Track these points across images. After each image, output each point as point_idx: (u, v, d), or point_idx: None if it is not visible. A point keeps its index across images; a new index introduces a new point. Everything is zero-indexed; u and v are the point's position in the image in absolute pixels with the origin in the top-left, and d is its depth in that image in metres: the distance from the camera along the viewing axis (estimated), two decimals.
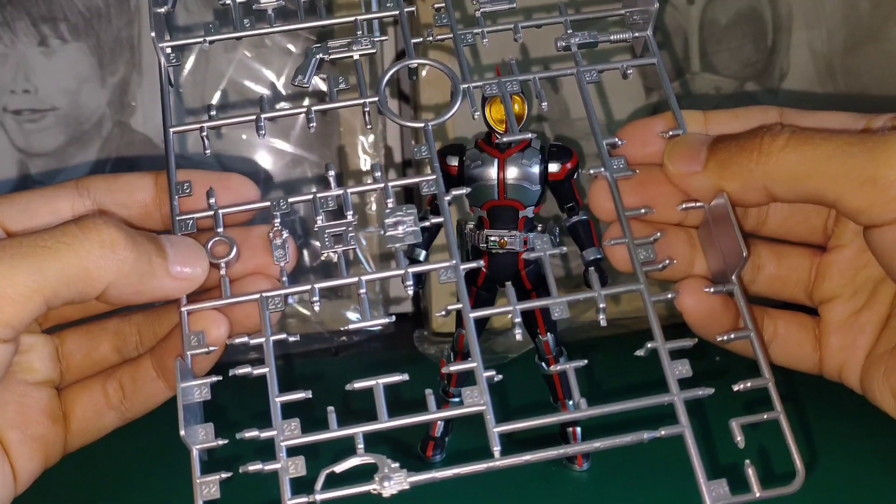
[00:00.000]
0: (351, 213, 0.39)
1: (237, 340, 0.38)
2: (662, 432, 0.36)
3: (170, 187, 0.40)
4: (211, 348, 0.37)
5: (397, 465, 0.35)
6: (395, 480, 0.34)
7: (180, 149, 0.53)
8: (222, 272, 0.38)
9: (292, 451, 0.35)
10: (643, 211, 0.40)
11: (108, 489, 0.48)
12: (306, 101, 0.56)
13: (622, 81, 0.58)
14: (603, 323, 0.39)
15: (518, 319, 0.38)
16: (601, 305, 0.39)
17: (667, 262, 0.39)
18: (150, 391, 0.40)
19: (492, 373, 0.37)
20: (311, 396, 0.36)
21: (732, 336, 0.38)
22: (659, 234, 0.40)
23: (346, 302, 0.59)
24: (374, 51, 0.43)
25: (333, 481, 0.34)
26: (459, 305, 0.38)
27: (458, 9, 0.53)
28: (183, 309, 0.38)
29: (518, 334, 0.38)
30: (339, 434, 0.35)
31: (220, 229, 0.39)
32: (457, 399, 0.49)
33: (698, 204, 0.40)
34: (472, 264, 0.40)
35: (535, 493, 0.47)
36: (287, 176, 0.58)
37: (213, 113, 0.42)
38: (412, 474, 0.35)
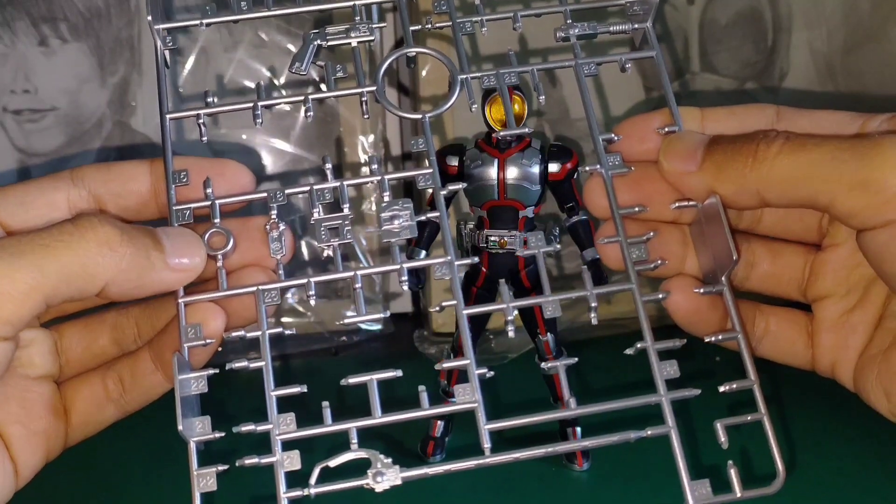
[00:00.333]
0: (347, 206, 0.39)
1: (234, 334, 0.38)
2: (649, 432, 0.36)
3: (167, 176, 0.40)
4: (208, 341, 0.37)
5: (390, 460, 0.35)
6: (388, 476, 0.35)
7: (177, 139, 0.53)
8: (219, 264, 0.38)
9: (288, 445, 0.35)
10: (637, 209, 0.40)
11: (107, 485, 0.48)
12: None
13: (622, 81, 0.58)
14: (594, 321, 0.39)
15: (511, 317, 0.38)
16: (592, 304, 0.39)
17: (658, 262, 0.39)
18: (148, 384, 0.40)
19: (484, 370, 0.37)
20: (306, 391, 0.37)
21: (720, 337, 0.38)
22: (652, 234, 0.40)
23: (345, 302, 0.59)
24: (372, 38, 0.43)
25: (328, 475, 0.35)
26: (454, 302, 0.38)
27: None
28: (180, 301, 0.38)
29: (510, 331, 0.38)
30: (333, 429, 0.36)
31: (217, 220, 0.39)
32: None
33: (691, 203, 0.40)
34: (467, 260, 0.40)
35: (535, 493, 0.47)
36: (287, 176, 0.58)
37: (210, 100, 0.42)
38: (405, 470, 0.35)
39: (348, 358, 0.60)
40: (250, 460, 0.35)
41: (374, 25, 0.43)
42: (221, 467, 0.35)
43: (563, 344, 0.48)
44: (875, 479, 0.46)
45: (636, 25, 0.44)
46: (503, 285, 0.39)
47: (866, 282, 0.40)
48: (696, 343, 0.40)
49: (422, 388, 0.37)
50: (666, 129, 0.40)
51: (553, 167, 0.46)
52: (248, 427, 0.36)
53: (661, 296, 0.39)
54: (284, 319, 0.58)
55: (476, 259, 0.40)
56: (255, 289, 0.38)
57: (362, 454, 0.35)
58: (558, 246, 0.43)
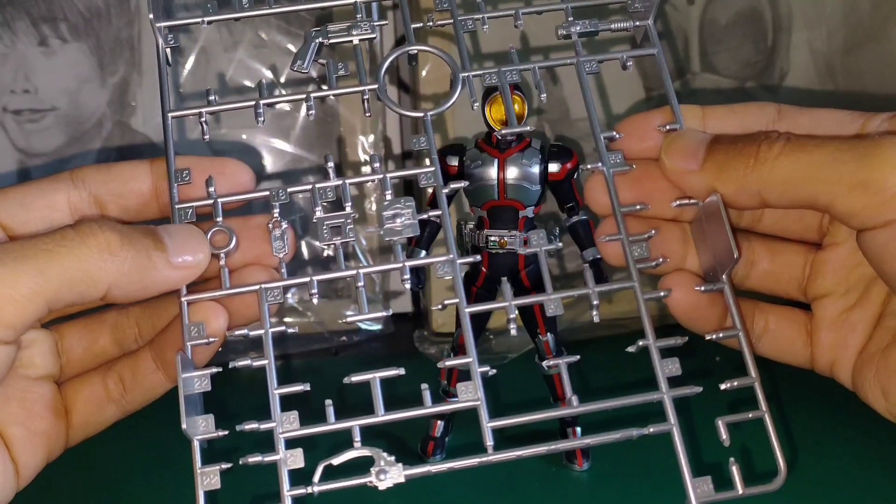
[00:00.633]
0: (349, 204, 0.39)
1: (236, 333, 0.38)
2: (651, 429, 0.37)
3: (169, 174, 0.40)
4: (211, 339, 0.37)
5: (393, 458, 0.35)
6: (391, 474, 0.35)
7: (179, 139, 0.53)
8: (222, 263, 0.38)
9: (291, 444, 0.35)
10: (638, 207, 0.40)
11: (108, 485, 0.48)
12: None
13: (623, 81, 0.58)
14: (596, 319, 0.39)
15: (513, 315, 0.38)
16: (594, 302, 0.39)
17: (660, 259, 0.39)
18: (150, 383, 0.40)
19: (486, 368, 0.37)
20: (309, 389, 0.37)
21: (721, 335, 0.38)
22: (653, 232, 0.40)
23: (346, 302, 0.59)
24: (374, 35, 0.43)
25: (331, 473, 0.35)
26: (456, 300, 0.38)
27: None
28: (183, 299, 0.38)
29: (513, 329, 0.38)
30: (336, 427, 0.36)
31: (220, 219, 0.39)
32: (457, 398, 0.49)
33: (692, 201, 0.40)
34: (470, 259, 0.40)
35: (535, 492, 0.47)
36: (288, 176, 0.58)
37: (211, 98, 0.42)
38: (407, 468, 0.35)
39: (348, 358, 0.60)
40: (254, 458, 0.35)
41: (375, 23, 0.43)
42: (225, 465, 0.35)
43: (563, 344, 0.48)
44: (875, 477, 0.46)
45: (637, 23, 0.44)
46: (505, 283, 0.39)
47: (866, 281, 0.40)
48: (697, 341, 0.40)
49: (424, 386, 0.37)
50: (667, 127, 0.40)
51: (553, 167, 0.46)
52: (251, 425, 0.36)
53: (662, 293, 0.39)
54: (288, 319, 0.58)
55: (478, 257, 0.40)
56: (257, 287, 0.38)
57: (365, 452, 0.35)
58: (559, 244, 0.43)
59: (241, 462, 0.35)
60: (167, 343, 0.39)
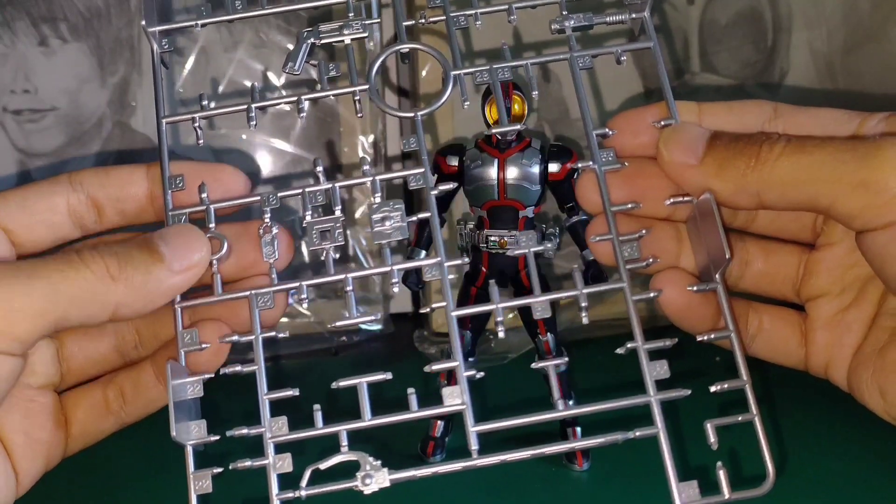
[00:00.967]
0: (339, 208, 0.39)
1: (227, 339, 0.38)
2: (637, 433, 0.37)
3: (163, 180, 0.40)
4: (204, 345, 0.38)
5: (378, 462, 0.36)
6: (377, 478, 0.35)
7: (175, 142, 0.53)
8: (214, 269, 0.38)
9: (280, 448, 0.36)
10: (630, 206, 0.40)
11: (103, 488, 0.48)
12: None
13: (623, 81, 0.58)
14: (585, 321, 0.39)
15: (500, 318, 0.38)
16: (583, 304, 0.39)
17: (650, 259, 0.39)
18: (150, 396, 0.41)
19: (472, 372, 0.37)
20: (298, 394, 0.37)
21: (713, 336, 0.38)
22: (644, 232, 0.40)
23: (345, 302, 0.59)
24: (365, 34, 0.42)
25: (318, 478, 0.35)
26: (444, 304, 0.38)
27: None
28: (177, 306, 0.38)
29: (500, 332, 0.38)
30: (323, 432, 0.36)
31: (212, 225, 0.39)
32: None
33: (686, 199, 0.40)
34: (457, 261, 0.40)
35: (535, 493, 0.47)
36: (287, 176, 0.58)
37: (205, 103, 0.42)
38: (393, 472, 0.36)
39: (348, 358, 0.60)
40: (243, 463, 0.35)
41: (366, 22, 0.42)
42: (217, 470, 0.36)
43: (563, 344, 0.48)
44: (867, 480, 0.46)
45: (633, 15, 0.43)
46: (493, 286, 0.39)
47: (861, 281, 0.40)
48: (692, 342, 0.40)
49: (411, 390, 0.38)
50: (662, 123, 0.40)
51: (553, 167, 0.46)
52: (240, 431, 0.36)
53: (652, 294, 0.39)
54: (284, 319, 0.58)
55: (467, 259, 0.40)
56: (248, 293, 0.38)
57: (352, 457, 0.36)
58: (549, 245, 0.43)
59: (231, 467, 0.36)
60: (169, 357, 0.39)
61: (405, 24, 0.43)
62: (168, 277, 0.37)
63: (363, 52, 0.55)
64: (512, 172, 0.45)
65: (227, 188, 0.40)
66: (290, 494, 0.35)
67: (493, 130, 0.43)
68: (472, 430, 0.37)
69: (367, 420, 0.37)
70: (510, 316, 0.56)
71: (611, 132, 0.41)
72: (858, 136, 0.38)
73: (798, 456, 0.47)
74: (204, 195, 0.39)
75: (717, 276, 0.38)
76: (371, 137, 0.58)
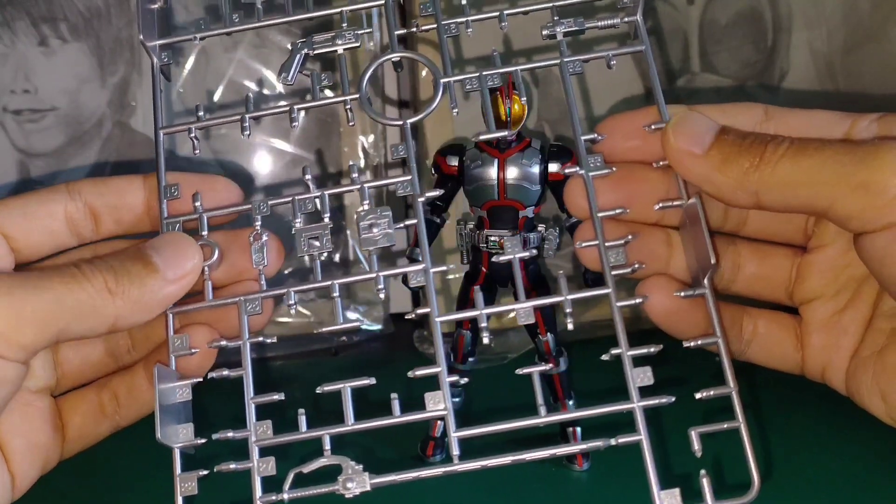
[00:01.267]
0: (327, 216, 0.40)
1: (214, 344, 0.39)
2: (620, 440, 0.37)
3: (159, 190, 0.41)
4: (193, 350, 0.38)
5: (360, 467, 0.36)
6: (357, 482, 0.36)
7: (176, 149, 0.53)
8: (205, 276, 0.39)
9: (264, 452, 0.37)
10: (617, 211, 0.40)
11: (99, 490, 0.49)
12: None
13: (622, 82, 0.58)
14: (570, 327, 0.39)
15: (485, 324, 0.39)
16: (567, 310, 0.39)
17: (636, 265, 0.39)
18: (144, 399, 0.41)
19: (454, 378, 0.37)
20: (283, 398, 0.38)
21: (700, 342, 0.38)
22: (630, 237, 0.39)
23: (346, 303, 0.59)
24: (357, 45, 0.43)
25: (301, 481, 0.36)
26: (427, 310, 0.39)
27: None
28: (168, 311, 0.38)
29: (486, 338, 0.39)
30: (307, 436, 0.37)
31: (205, 233, 0.39)
32: (457, 399, 0.49)
33: (675, 203, 0.40)
34: (443, 267, 0.40)
35: (535, 493, 0.47)
36: (287, 176, 0.58)
37: (201, 114, 0.42)
38: (374, 477, 0.36)
39: (348, 358, 0.60)
40: (228, 466, 0.36)
41: (359, 32, 0.43)
42: (202, 472, 0.36)
43: (563, 344, 0.48)
44: (855, 487, 0.46)
45: (626, 19, 0.43)
46: (478, 292, 0.40)
47: (855, 283, 0.40)
48: (677, 347, 0.39)
49: (394, 395, 0.38)
50: (654, 126, 0.40)
51: (553, 167, 0.46)
52: (226, 434, 0.37)
53: (638, 300, 0.39)
54: (284, 319, 0.58)
55: (452, 266, 0.40)
56: (238, 299, 0.38)
57: (334, 461, 0.36)
58: (535, 251, 0.43)
59: (215, 469, 0.36)
60: (161, 360, 0.39)
61: (397, 32, 0.43)
62: (163, 288, 0.37)
63: (360, 57, 0.55)
64: (512, 172, 0.45)
65: (220, 198, 0.41)
66: (273, 497, 0.36)
67: (482, 137, 0.43)
68: (454, 435, 0.37)
69: (350, 424, 0.37)
70: (511, 315, 0.56)
71: (599, 137, 0.41)
72: (857, 140, 0.38)
73: (785, 462, 0.46)
74: (197, 203, 0.40)
75: (704, 281, 0.38)
76: (371, 137, 0.58)
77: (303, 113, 0.42)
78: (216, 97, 0.57)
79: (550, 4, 0.43)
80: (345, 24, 0.43)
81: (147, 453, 0.47)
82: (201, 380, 0.39)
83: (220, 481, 0.36)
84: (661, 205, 0.40)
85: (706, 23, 0.60)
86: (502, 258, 0.40)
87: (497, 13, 0.43)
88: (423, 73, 0.57)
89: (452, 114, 0.42)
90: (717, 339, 0.38)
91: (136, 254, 0.38)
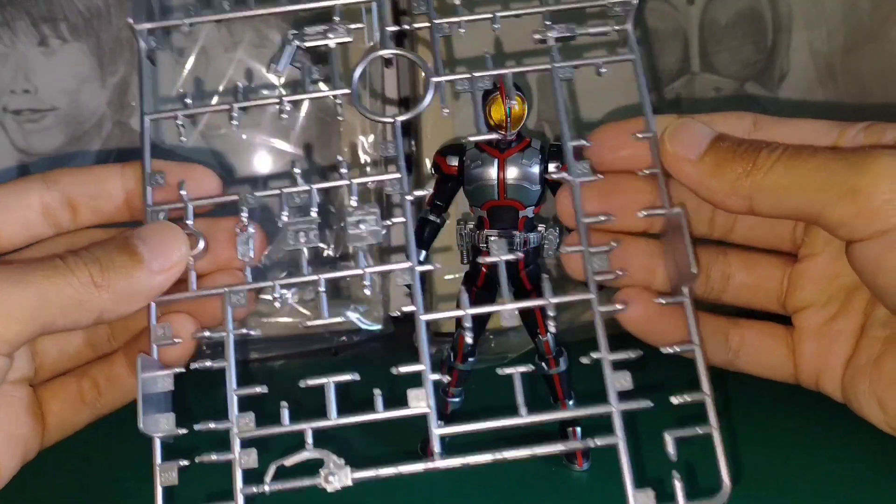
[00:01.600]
0: (315, 210, 0.40)
1: (199, 335, 0.39)
2: (597, 441, 0.37)
3: (144, 177, 0.40)
4: (176, 339, 0.38)
5: (342, 461, 0.36)
6: (339, 476, 0.36)
7: (160, 139, 0.53)
8: (190, 265, 0.39)
9: (246, 444, 0.36)
10: (602, 219, 0.40)
11: (75, 480, 0.49)
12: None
13: (621, 81, 0.58)
14: (553, 330, 0.40)
15: (469, 325, 0.39)
16: (551, 314, 0.39)
17: (619, 272, 0.39)
18: (124, 387, 0.41)
19: (438, 376, 0.38)
20: (266, 391, 0.38)
21: (678, 349, 0.38)
22: (614, 244, 0.39)
23: (345, 302, 0.59)
24: (349, 39, 0.43)
25: (283, 475, 0.36)
26: (413, 308, 0.39)
27: None
28: (151, 301, 0.38)
29: (469, 338, 0.39)
30: (289, 429, 0.37)
31: (190, 222, 0.39)
32: (456, 399, 0.49)
33: (659, 211, 0.40)
34: (428, 266, 0.40)
35: (535, 493, 0.47)
36: (286, 176, 0.58)
37: (188, 101, 0.42)
38: (355, 471, 0.36)
39: (348, 358, 0.60)
40: (209, 457, 0.36)
41: (352, 26, 0.43)
42: (183, 462, 0.36)
43: (562, 344, 0.48)
44: (825, 491, 0.46)
45: (617, 27, 0.43)
46: (463, 293, 0.40)
47: (846, 291, 0.40)
48: (657, 352, 0.40)
49: (377, 391, 0.38)
50: (641, 136, 0.40)
51: (553, 167, 0.46)
52: (208, 425, 0.37)
53: (619, 307, 0.39)
54: (284, 319, 0.58)
55: (438, 265, 0.40)
56: (223, 290, 0.38)
57: (316, 454, 0.36)
58: (520, 254, 0.43)
59: (196, 460, 0.36)
60: (141, 349, 0.39)
61: (390, 29, 0.43)
62: (149, 279, 0.37)
63: (357, 54, 0.55)
64: (512, 172, 0.45)
65: (200, 187, 0.41)
66: (254, 489, 0.36)
67: (472, 139, 0.43)
68: (436, 432, 0.37)
69: (333, 419, 0.37)
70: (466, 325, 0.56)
71: (588, 143, 0.41)
72: (848, 147, 0.38)
73: (758, 465, 0.47)
74: (183, 192, 0.40)
75: (684, 290, 0.38)
76: (371, 137, 0.58)
77: (301, 111, 0.42)
78: (215, 98, 0.57)
79: (544, 9, 0.43)
80: (337, 18, 0.43)
81: (127, 443, 0.48)
82: (184, 370, 0.38)
83: (202, 473, 0.36)
84: (645, 212, 0.40)
85: (706, 23, 0.60)
86: (489, 260, 0.41)
87: (490, 15, 0.43)
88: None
89: (451, 113, 0.42)
90: (693, 346, 0.38)
91: (122, 244, 0.37)
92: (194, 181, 0.41)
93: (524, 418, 0.38)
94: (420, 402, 0.37)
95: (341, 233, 0.58)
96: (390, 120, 0.42)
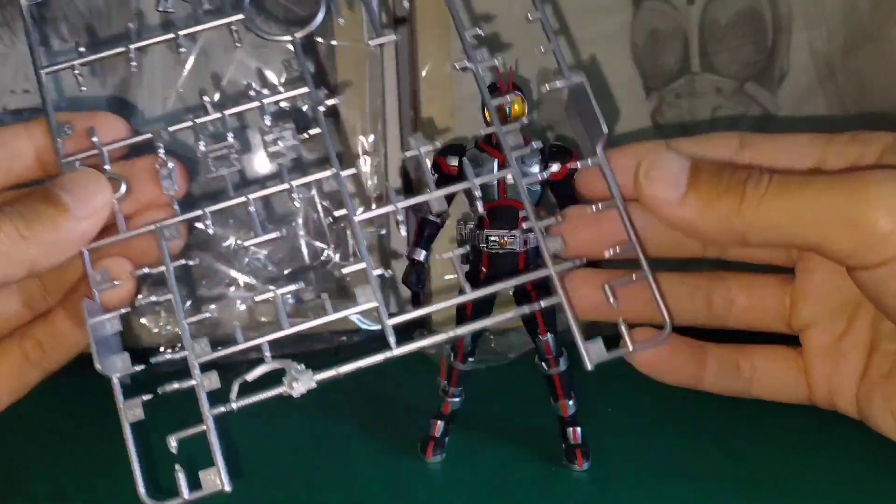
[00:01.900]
0: (231, 134, 0.40)
1: (138, 272, 0.39)
2: (542, 304, 0.38)
3: (51, 130, 0.40)
4: (116, 282, 0.38)
5: (303, 366, 0.36)
6: (303, 380, 0.36)
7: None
8: (116, 209, 0.39)
9: (206, 368, 0.37)
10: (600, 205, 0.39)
11: (43, 446, 0.50)
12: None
13: (621, 80, 0.58)
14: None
15: (392, 339, 0.39)
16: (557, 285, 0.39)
17: (578, 261, 0.38)
18: (69, 341, 0.41)
19: (381, 271, 0.38)
20: (216, 315, 0.37)
21: (619, 250, 0.38)
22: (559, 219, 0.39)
23: (347, 302, 0.59)
24: None
25: (247, 391, 0.36)
26: (344, 211, 0.38)
27: None
28: (83, 248, 0.38)
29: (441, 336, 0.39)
30: (246, 346, 0.37)
31: (108, 167, 0.39)
32: (457, 399, 0.49)
33: (559, 84, 0.39)
34: (351, 170, 0.39)
35: (535, 493, 0.47)
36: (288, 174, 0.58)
37: (82, 49, 0.42)
38: (317, 372, 0.37)
39: (348, 358, 0.59)
40: (172, 386, 0.36)
41: None
42: (146, 396, 0.36)
43: (563, 344, 0.48)
44: (825, 491, 0.46)
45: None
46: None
47: (851, 306, 0.39)
48: None
49: (324, 294, 0.39)
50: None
51: (553, 167, 0.46)
52: (164, 357, 0.37)
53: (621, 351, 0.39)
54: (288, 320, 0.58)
55: (389, 272, 0.40)
56: (153, 227, 0.38)
57: (276, 365, 0.37)
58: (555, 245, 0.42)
59: (159, 391, 0.36)
60: (80, 299, 0.39)
61: None
62: (76, 226, 0.37)
63: None
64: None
65: (108, 132, 0.40)
66: (223, 409, 0.36)
67: (482, 131, 0.42)
68: (388, 323, 0.38)
69: (286, 329, 0.37)
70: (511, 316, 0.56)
71: (557, 220, 0.40)
72: (838, 170, 0.37)
73: (757, 465, 0.47)
74: (95, 139, 0.40)
75: (598, 149, 0.38)
76: (371, 137, 0.58)
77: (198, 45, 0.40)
78: (216, 97, 0.57)
79: None
80: None
81: (82, 395, 0.47)
82: (129, 309, 0.38)
83: (170, 408, 0.36)
84: (547, 86, 0.39)
85: (706, 23, 0.60)
86: (457, 252, 0.40)
87: None
88: (425, 70, 0.57)
89: (452, 111, 0.42)
90: (634, 243, 0.38)
91: (43, 194, 0.37)
92: (103, 127, 0.40)
93: (474, 293, 0.38)
94: (368, 298, 0.37)
95: (342, 233, 0.59)
96: (289, 38, 0.42)
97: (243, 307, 0.59)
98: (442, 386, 0.49)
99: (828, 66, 0.61)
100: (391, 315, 0.37)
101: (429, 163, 0.43)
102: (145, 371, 0.37)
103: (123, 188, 0.39)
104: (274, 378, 0.37)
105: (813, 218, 0.34)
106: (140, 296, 0.39)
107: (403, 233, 0.40)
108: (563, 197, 0.47)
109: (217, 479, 0.35)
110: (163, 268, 0.38)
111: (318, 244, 0.59)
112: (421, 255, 0.48)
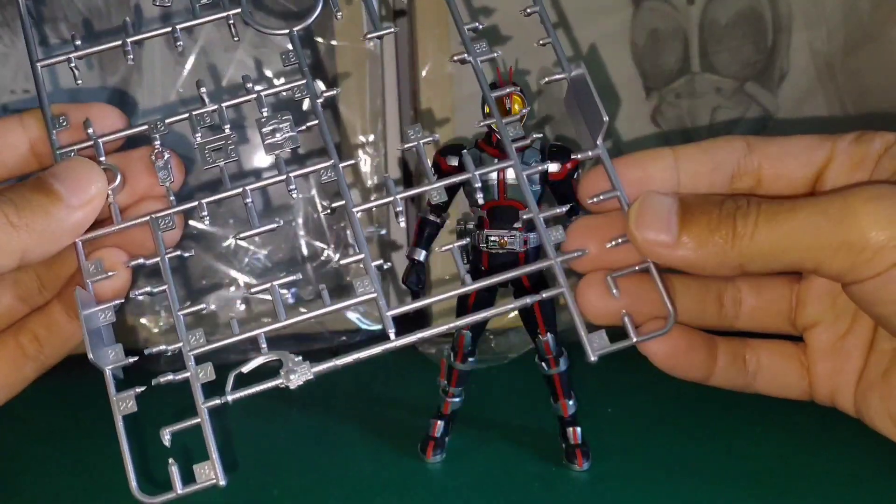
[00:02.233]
0: (228, 126, 0.40)
1: (133, 264, 0.38)
2: (544, 294, 0.38)
3: (46, 122, 0.40)
4: (110, 273, 0.38)
5: (300, 358, 0.36)
6: (300, 372, 0.36)
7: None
8: (111, 200, 0.39)
9: (200, 360, 0.36)
10: (602, 198, 0.39)
11: (37, 443, 0.50)
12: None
13: (621, 80, 0.58)
14: None
15: (391, 330, 0.39)
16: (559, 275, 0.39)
17: (579, 252, 0.38)
18: (65, 334, 0.40)
19: (380, 262, 0.38)
20: (213, 308, 0.37)
21: (602, 197, 0.38)
22: (621, 240, 0.38)
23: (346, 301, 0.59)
24: None
25: (243, 383, 0.36)
26: (343, 202, 0.38)
27: None
28: (77, 240, 0.38)
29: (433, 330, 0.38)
30: (241, 337, 0.37)
31: (103, 158, 0.39)
32: (457, 399, 0.49)
33: (558, 77, 0.39)
34: (350, 161, 0.40)
35: (535, 493, 0.47)
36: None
37: (78, 42, 0.42)
38: (315, 364, 0.36)
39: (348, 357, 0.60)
40: (165, 378, 0.36)
41: None
42: (139, 389, 0.36)
43: (563, 343, 0.48)
44: (825, 491, 0.46)
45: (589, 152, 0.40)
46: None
47: (854, 307, 0.39)
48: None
49: (322, 286, 0.38)
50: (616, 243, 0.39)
51: (553, 167, 0.46)
52: (158, 348, 0.37)
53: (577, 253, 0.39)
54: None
55: (389, 264, 0.40)
56: (147, 218, 0.38)
57: (272, 357, 0.36)
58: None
59: (153, 383, 0.36)
60: (74, 292, 0.39)
61: None
62: (69, 215, 0.36)
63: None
64: (512, 172, 0.45)
65: (103, 124, 0.40)
66: (217, 401, 0.35)
67: (481, 122, 0.42)
68: (388, 314, 0.37)
69: (283, 320, 0.37)
70: (511, 316, 0.56)
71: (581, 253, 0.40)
72: (826, 192, 0.38)
73: (757, 465, 0.47)
74: (90, 130, 0.39)
75: (598, 141, 0.38)
76: (371, 137, 0.58)
77: (198, 41, 0.41)
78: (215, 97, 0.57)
79: None
80: None
81: (78, 394, 0.48)
82: (123, 301, 0.38)
83: (164, 399, 0.36)
84: (546, 80, 0.39)
85: (706, 23, 0.60)
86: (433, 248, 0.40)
87: None
88: (425, 69, 0.57)
89: (452, 111, 0.42)
90: (617, 193, 0.38)
91: (36, 183, 0.37)
92: (98, 119, 0.40)
93: (470, 286, 0.38)
94: (367, 288, 0.37)
95: (342, 232, 0.59)
96: (285, 32, 0.42)
97: (242, 307, 0.59)
98: (442, 386, 0.49)
99: (828, 66, 0.61)
100: (390, 308, 0.37)
101: (429, 162, 0.43)
102: (141, 368, 0.37)
103: (119, 179, 0.39)
104: (272, 373, 0.36)
105: (806, 244, 0.34)
106: (135, 289, 0.39)
107: (403, 224, 0.40)
108: (563, 196, 0.47)
109: (211, 472, 0.35)
110: (157, 259, 0.38)
111: (318, 244, 0.59)
112: (421, 255, 0.48)
